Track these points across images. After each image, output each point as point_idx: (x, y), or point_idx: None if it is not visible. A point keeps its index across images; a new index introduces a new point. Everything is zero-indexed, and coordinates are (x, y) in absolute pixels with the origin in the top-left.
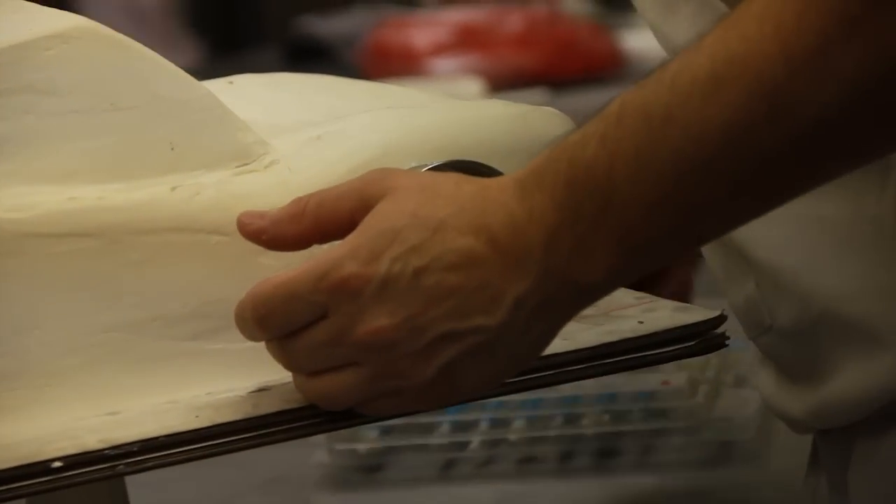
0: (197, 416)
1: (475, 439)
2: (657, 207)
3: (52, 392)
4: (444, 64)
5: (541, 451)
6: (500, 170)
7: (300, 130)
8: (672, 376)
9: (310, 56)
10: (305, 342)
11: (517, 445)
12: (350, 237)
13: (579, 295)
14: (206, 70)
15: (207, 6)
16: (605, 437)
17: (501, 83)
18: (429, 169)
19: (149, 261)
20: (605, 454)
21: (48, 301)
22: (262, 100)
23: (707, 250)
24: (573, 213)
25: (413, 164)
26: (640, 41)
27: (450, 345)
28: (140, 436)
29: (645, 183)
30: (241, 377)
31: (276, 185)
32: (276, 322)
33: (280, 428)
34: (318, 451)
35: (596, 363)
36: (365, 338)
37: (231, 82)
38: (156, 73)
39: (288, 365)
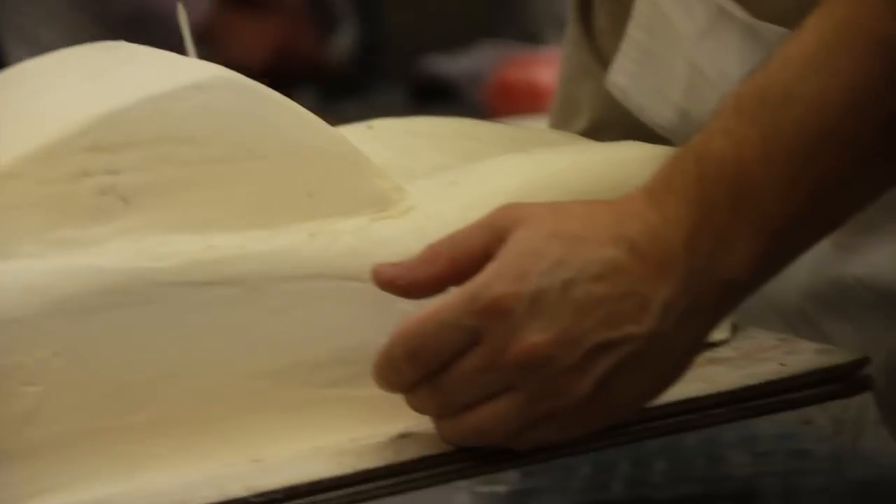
0: (340, 463)
1: (616, 481)
2: (790, 186)
3: (196, 439)
4: None
5: (682, 493)
6: None
7: (436, 175)
8: (814, 416)
9: (434, 95)
10: (459, 372)
11: (658, 487)
12: (492, 264)
13: (725, 293)
14: (331, 110)
15: None
16: (747, 479)
17: None
18: None
19: (289, 308)
20: (747, 496)
21: (191, 349)
22: (400, 144)
23: (824, 337)
24: (709, 209)
25: None
26: None
27: (604, 356)
28: (284, 483)
29: (775, 164)
30: (384, 423)
31: (413, 231)
32: (428, 355)
33: (423, 474)
34: (459, 493)
35: (738, 406)
36: (521, 356)
37: (370, 127)
38: (293, 120)
39: (438, 405)
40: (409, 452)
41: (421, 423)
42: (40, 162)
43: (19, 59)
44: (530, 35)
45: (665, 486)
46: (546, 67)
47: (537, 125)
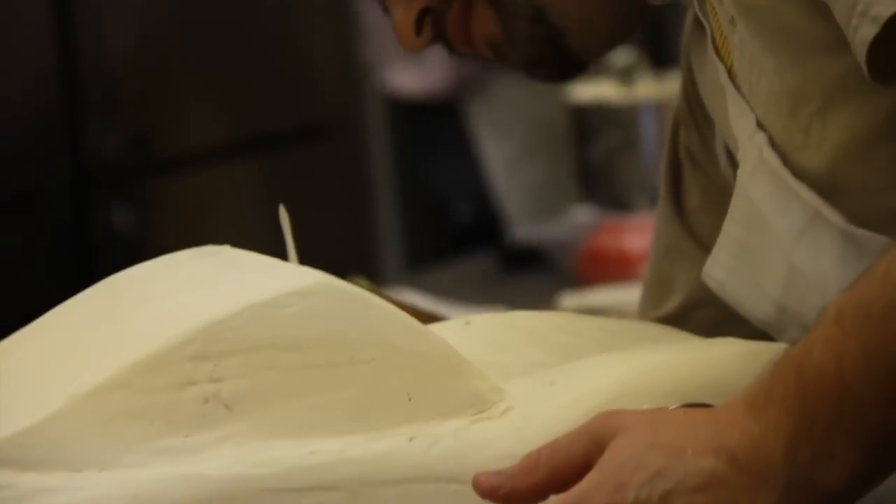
0: None
1: None
2: (892, 401)
3: None
4: None
5: None
6: None
7: (534, 374)
8: None
9: (525, 262)
10: None
11: None
12: (592, 473)
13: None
14: (419, 275)
15: (421, 209)
16: None
17: None
18: None
19: None
20: None
21: None
22: (498, 340)
23: None
24: (809, 420)
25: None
26: None
27: None
28: None
29: (876, 378)
30: None
31: (511, 432)
32: None
33: None
34: None
35: None
36: None
37: (468, 322)
38: (392, 325)
39: None
40: None
41: None
42: (146, 372)
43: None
44: (620, 202)
45: None
46: (636, 235)
47: (627, 293)
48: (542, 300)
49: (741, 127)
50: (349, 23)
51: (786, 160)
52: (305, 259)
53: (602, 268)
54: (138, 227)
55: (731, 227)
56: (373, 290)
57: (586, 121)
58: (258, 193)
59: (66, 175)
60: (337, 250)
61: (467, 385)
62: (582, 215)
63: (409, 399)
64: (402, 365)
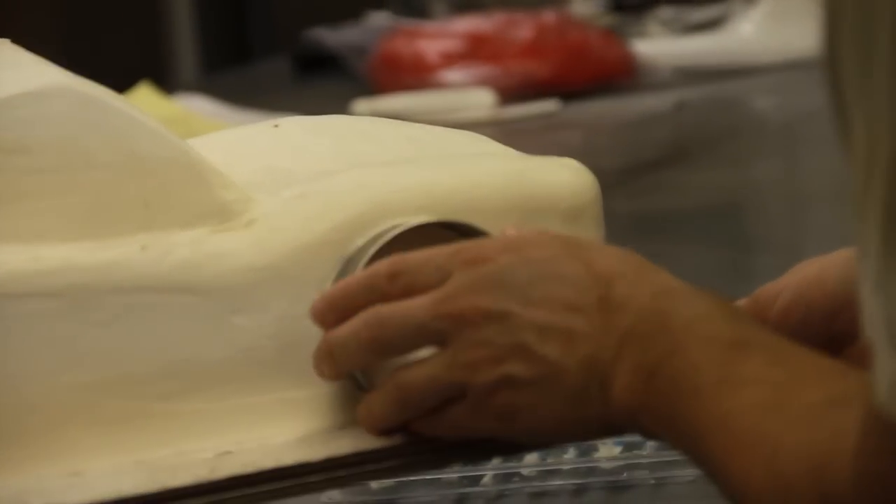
0: (151, 479)
1: (488, 473)
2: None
3: (12, 453)
4: (454, 74)
5: (553, 485)
6: (490, 230)
7: (291, 186)
8: None
9: (319, 66)
10: None
11: (530, 479)
12: None
13: None
14: (214, 79)
15: (218, 14)
16: (619, 470)
17: (513, 92)
18: (410, 228)
19: (115, 321)
20: (619, 487)
21: (11, 360)
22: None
23: None
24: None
25: (394, 223)
26: (651, 48)
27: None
28: (92, 499)
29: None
30: (212, 438)
31: (251, 245)
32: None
33: (238, 494)
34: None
35: None
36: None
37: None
38: (134, 130)
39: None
40: (225, 470)
41: (248, 437)
42: None
43: None
44: (417, 8)
45: (536, 478)
46: (431, 41)
47: (420, 100)
48: (336, 105)
49: None
50: None
51: None
52: (99, 61)
53: (397, 74)
54: None
55: None
56: (158, 96)
57: None
58: None
59: None
60: (131, 53)
61: (211, 194)
62: (378, 20)
63: (146, 206)
64: (142, 171)
